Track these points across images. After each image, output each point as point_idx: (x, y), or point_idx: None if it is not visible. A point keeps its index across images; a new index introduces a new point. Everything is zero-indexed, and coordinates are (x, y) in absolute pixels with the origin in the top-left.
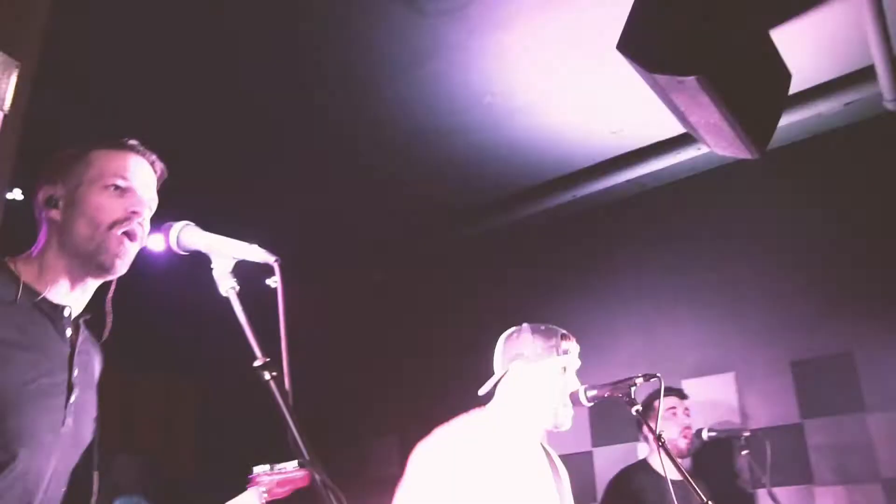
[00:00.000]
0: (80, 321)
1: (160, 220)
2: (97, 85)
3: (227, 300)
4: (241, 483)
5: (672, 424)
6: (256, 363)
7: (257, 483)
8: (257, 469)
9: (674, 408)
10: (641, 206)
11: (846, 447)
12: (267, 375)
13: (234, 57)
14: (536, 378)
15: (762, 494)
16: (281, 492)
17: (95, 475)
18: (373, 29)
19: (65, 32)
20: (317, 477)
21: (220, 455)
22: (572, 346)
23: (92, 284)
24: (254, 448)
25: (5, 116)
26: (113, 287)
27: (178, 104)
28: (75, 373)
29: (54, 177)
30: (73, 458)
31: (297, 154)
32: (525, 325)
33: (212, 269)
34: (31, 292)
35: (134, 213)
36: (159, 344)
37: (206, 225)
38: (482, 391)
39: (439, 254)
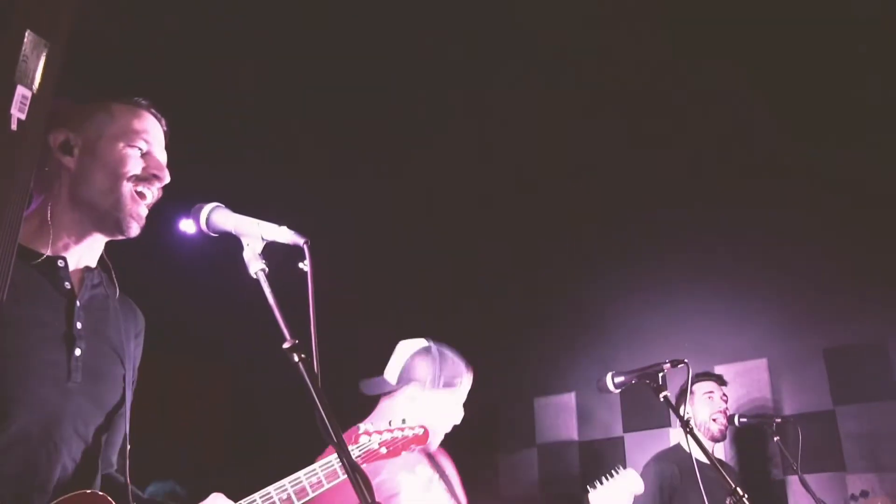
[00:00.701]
0: (87, 275)
1: (191, 201)
2: (125, 68)
3: (257, 282)
4: (275, 467)
5: (706, 408)
6: (285, 345)
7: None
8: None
9: (711, 392)
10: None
11: (879, 434)
12: (296, 357)
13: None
14: (431, 407)
15: (793, 481)
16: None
17: (127, 448)
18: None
19: (94, 12)
20: (344, 460)
21: (253, 440)
22: (468, 379)
23: (100, 241)
24: (287, 433)
25: (34, 96)
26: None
27: (211, 83)
28: (77, 325)
29: (71, 123)
30: (95, 420)
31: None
32: (433, 346)
33: (242, 251)
34: (28, 253)
35: (155, 176)
36: (193, 328)
37: (236, 207)
38: (370, 391)
39: (470, 238)
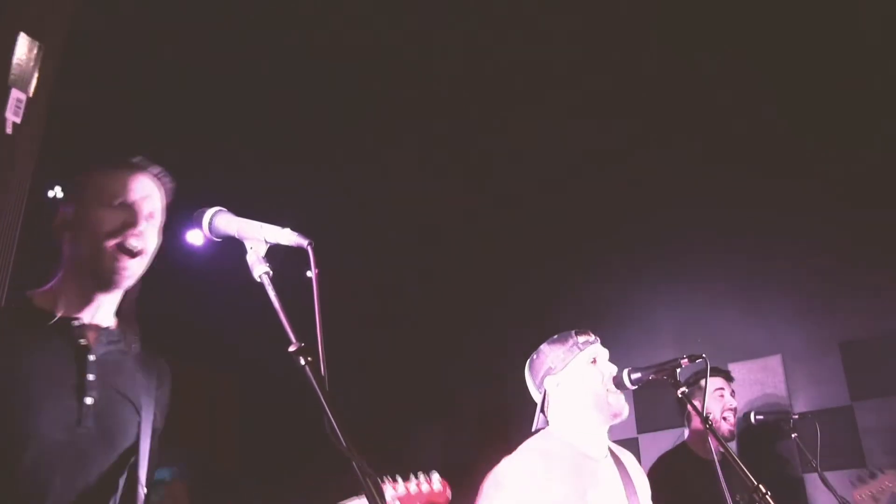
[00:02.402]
0: (103, 332)
1: (193, 208)
2: (123, 72)
3: (261, 287)
4: (284, 476)
5: (717, 405)
6: (291, 348)
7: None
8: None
9: (721, 389)
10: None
11: None
12: (302, 360)
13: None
14: (572, 381)
15: (812, 479)
16: None
17: (141, 490)
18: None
19: (89, 17)
20: (354, 463)
21: (263, 447)
22: (589, 336)
23: (104, 300)
24: (296, 440)
25: (29, 100)
26: (135, 297)
27: (209, 90)
28: (90, 377)
29: (68, 201)
30: (107, 463)
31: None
32: (538, 348)
33: (246, 255)
34: (44, 315)
35: (129, 224)
36: (201, 336)
37: (239, 212)
38: (534, 428)
39: (474, 239)
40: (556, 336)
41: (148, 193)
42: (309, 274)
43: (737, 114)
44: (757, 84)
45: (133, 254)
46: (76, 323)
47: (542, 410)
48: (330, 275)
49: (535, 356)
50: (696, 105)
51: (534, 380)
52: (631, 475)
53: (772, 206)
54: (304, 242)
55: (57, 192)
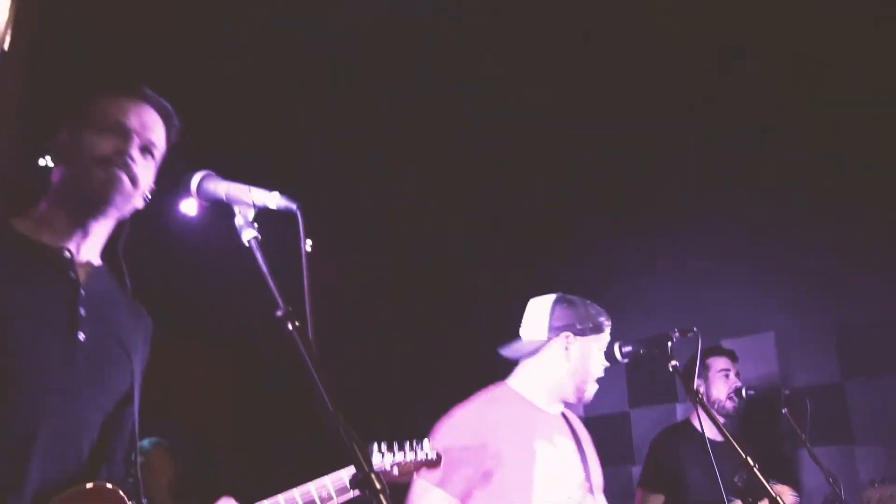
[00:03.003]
0: (93, 269)
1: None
2: (109, 31)
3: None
4: (279, 452)
5: (724, 386)
6: (279, 313)
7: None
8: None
9: (727, 370)
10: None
11: (888, 408)
12: (290, 325)
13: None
14: (583, 352)
15: (803, 454)
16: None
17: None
18: None
19: None
20: (340, 429)
21: (257, 423)
22: (610, 325)
23: (94, 228)
24: (291, 416)
25: (4, 53)
26: (125, 233)
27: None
28: (81, 311)
29: (60, 126)
30: (101, 407)
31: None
32: (576, 297)
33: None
34: (29, 242)
35: (120, 151)
36: (195, 311)
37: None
38: (510, 354)
39: (467, 204)
40: (590, 302)
41: (148, 123)
42: (306, 247)
43: (730, 87)
44: (748, 56)
45: (123, 169)
46: (67, 254)
47: (531, 352)
48: (321, 240)
49: (566, 303)
50: (687, 82)
51: (550, 320)
52: (577, 432)
53: (767, 183)
54: (292, 205)
55: (48, 161)
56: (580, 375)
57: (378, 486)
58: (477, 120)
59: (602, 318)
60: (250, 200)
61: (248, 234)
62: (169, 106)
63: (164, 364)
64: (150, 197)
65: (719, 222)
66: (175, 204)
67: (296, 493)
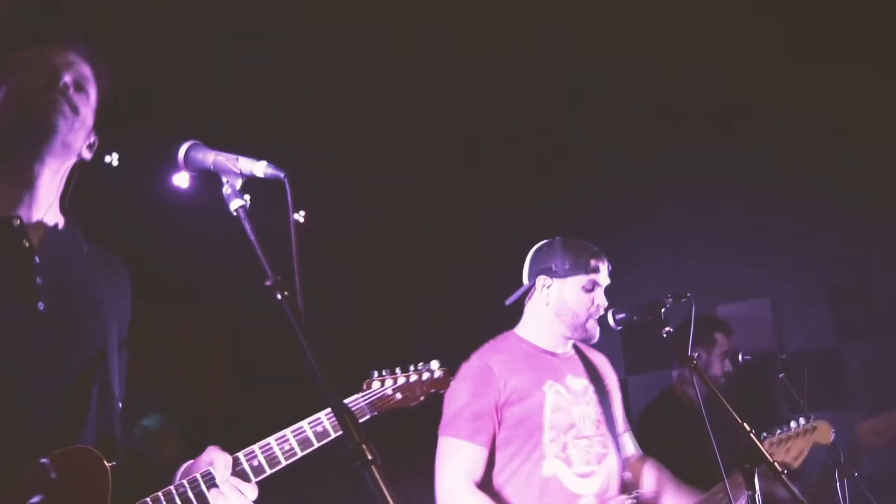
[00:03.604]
0: (48, 232)
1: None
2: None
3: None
4: (276, 421)
5: (720, 366)
6: (267, 282)
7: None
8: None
9: (728, 350)
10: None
11: (884, 370)
12: (278, 294)
13: None
14: (562, 292)
15: (799, 419)
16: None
17: (117, 404)
18: None
19: None
20: (330, 398)
21: (253, 394)
22: (602, 264)
23: (42, 179)
24: (287, 387)
25: None
26: (71, 186)
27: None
28: (38, 280)
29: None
30: (71, 373)
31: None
32: (558, 238)
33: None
34: None
35: (52, 79)
36: (191, 282)
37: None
38: (508, 301)
39: (461, 164)
40: (575, 242)
41: (74, 62)
42: (297, 217)
43: (725, 53)
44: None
45: (62, 96)
46: (16, 222)
47: (522, 296)
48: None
49: (545, 246)
50: (684, 47)
51: (531, 266)
52: (598, 368)
53: (762, 149)
54: (280, 174)
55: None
56: (565, 315)
57: (370, 456)
58: (470, 82)
59: (584, 258)
60: (237, 169)
61: (236, 204)
62: (97, 51)
63: (160, 334)
64: (94, 145)
65: (715, 189)
66: (166, 176)
67: (287, 431)
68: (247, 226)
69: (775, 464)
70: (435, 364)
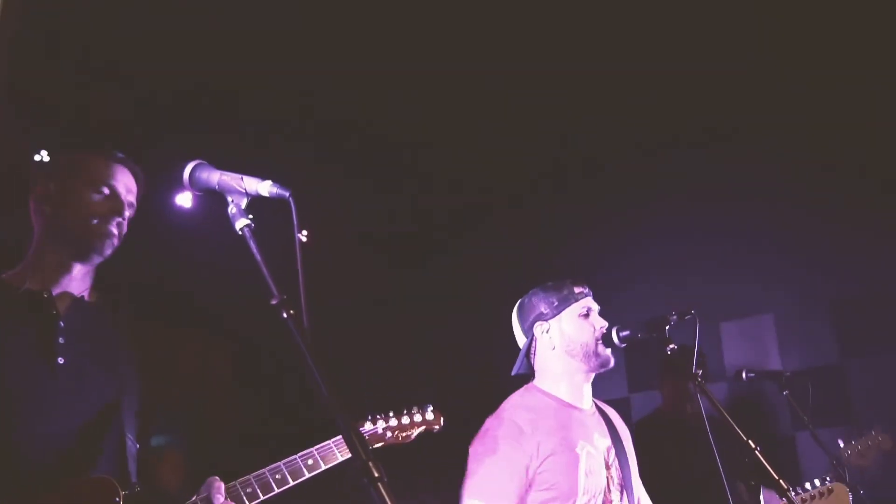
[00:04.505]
0: (76, 303)
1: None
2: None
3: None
4: (282, 437)
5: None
6: (273, 301)
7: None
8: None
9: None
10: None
11: (889, 387)
12: (284, 313)
13: None
14: (562, 329)
15: (802, 436)
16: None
17: (132, 444)
18: None
19: None
20: (337, 417)
21: (258, 410)
22: (584, 288)
23: (78, 270)
24: (291, 402)
25: None
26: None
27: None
28: (60, 340)
29: (48, 177)
30: (87, 415)
31: None
32: (531, 290)
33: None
34: (11, 290)
35: (116, 212)
36: (195, 301)
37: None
38: (514, 371)
39: (466, 194)
40: (550, 283)
41: (131, 187)
42: (301, 237)
43: (726, 61)
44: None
45: (113, 235)
46: (45, 295)
47: (527, 355)
48: (317, 225)
49: (525, 299)
50: (681, 55)
51: (522, 323)
52: (617, 429)
53: (765, 164)
54: (284, 193)
55: (44, 155)
56: (575, 349)
57: (376, 473)
58: (467, 95)
59: (566, 289)
60: (243, 189)
61: (241, 223)
62: (139, 169)
63: (163, 352)
64: None
65: (717, 205)
66: (171, 196)
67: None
68: (252, 245)
69: (780, 481)
70: (429, 407)
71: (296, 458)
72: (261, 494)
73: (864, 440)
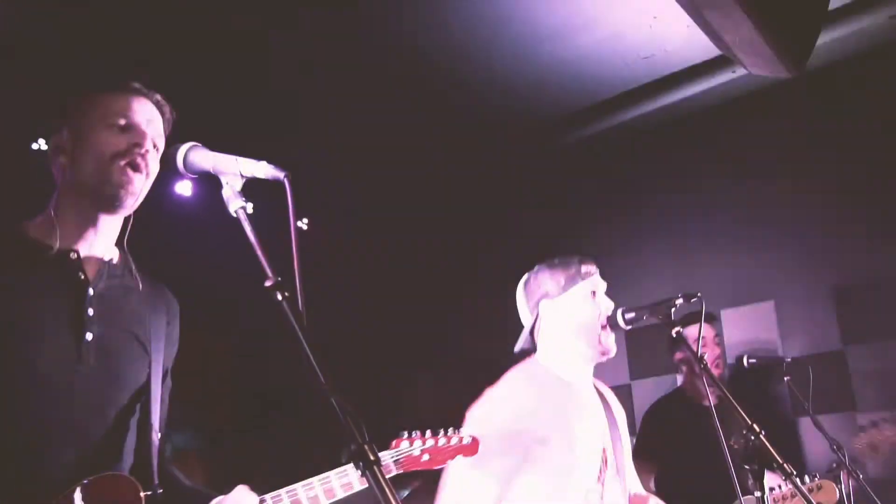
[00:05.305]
0: (103, 266)
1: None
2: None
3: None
4: (283, 437)
5: (710, 352)
6: (268, 283)
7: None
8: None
9: (705, 336)
10: (679, 130)
11: (890, 373)
12: (279, 296)
13: None
14: (568, 310)
15: (804, 422)
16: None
17: (155, 435)
18: None
19: None
20: (333, 401)
21: (259, 409)
22: (592, 267)
23: (105, 223)
24: (292, 400)
25: None
26: (129, 226)
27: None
28: (89, 312)
29: (59, 124)
30: (115, 403)
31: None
32: (537, 265)
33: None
34: (40, 248)
35: (136, 145)
36: (195, 295)
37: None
38: (517, 347)
39: (470, 182)
40: (556, 259)
41: (151, 118)
42: (301, 225)
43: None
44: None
45: (139, 169)
46: (74, 256)
47: (531, 333)
48: (316, 212)
49: (531, 276)
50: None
51: (527, 300)
52: (613, 411)
53: (767, 150)
54: (280, 175)
55: (41, 144)
56: (578, 331)
57: (372, 457)
58: (466, 86)
59: (573, 268)
60: (238, 171)
61: (236, 205)
62: (163, 98)
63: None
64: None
65: (718, 191)
66: (169, 184)
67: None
68: (247, 227)
69: (785, 465)
70: (465, 431)
71: (329, 476)
72: None
73: (878, 432)
